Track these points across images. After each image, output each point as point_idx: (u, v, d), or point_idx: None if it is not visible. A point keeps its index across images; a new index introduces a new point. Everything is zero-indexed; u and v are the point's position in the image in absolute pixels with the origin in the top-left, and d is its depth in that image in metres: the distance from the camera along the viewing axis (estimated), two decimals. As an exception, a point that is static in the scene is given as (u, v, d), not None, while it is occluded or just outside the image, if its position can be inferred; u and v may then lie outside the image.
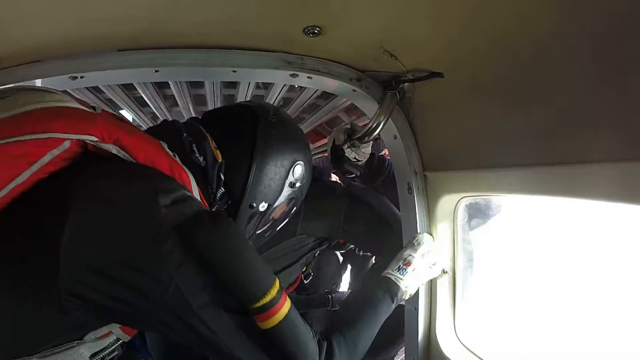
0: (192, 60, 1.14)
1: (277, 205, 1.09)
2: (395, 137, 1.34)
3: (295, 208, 1.17)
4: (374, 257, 2.20)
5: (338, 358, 0.89)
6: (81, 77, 1.13)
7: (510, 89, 0.95)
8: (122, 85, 1.99)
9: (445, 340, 1.42)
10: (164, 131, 0.96)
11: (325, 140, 2.54)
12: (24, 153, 0.74)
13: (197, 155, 0.95)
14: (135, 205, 0.74)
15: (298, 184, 1.10)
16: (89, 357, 0.81)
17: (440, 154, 1.27)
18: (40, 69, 1.10)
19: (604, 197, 0.82)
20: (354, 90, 1.31)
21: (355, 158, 1.36)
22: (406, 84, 1.23)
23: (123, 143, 0.81)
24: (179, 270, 0.72)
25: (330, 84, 1.30)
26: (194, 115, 2.26)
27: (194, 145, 0.96)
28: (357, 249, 2.00)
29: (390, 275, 1.17)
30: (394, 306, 1.13)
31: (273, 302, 0.77)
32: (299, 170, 1.09)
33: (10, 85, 1.02)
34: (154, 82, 1.95)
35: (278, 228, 1.20)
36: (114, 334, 0.84)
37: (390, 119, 1.30)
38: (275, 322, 0.77)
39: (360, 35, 1.07)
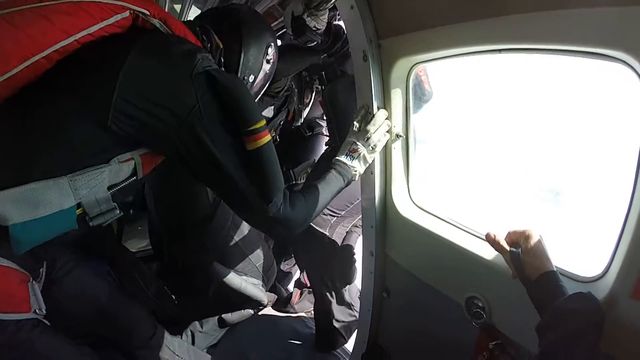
0: None
1: (259, 76, 1.46)
2: (352, 7, 1.39)
3: (270, 78, 1.53)
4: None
5: (297, 208, 1.18)
6: None
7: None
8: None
9: (401, 202, 1.58)
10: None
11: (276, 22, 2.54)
12: (100, 12, 1.03)
13: (206, 43, 1.29)
14: (182, 55, 1.07)
15: (272, 60, 1.48)
16: (107, 188, 1.07)
17: (393, 20, 1.34)
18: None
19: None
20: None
21: (315, 27, 1.43)
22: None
23: (168, 21, 1.16)
24: (203, 97, 1.05)
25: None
26: None
27: (203, 35, 1.31)
28: None
29: (339, 160, 1.40)
30: (345, 185, 1.38)
31: (260, 130, 1.08)
32: (270, 50, 1.46)
33: None
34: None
35: (259, 97, 1.57)
36: (134, 161, 1.10)
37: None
38: (258, 145, 1.08)
39: None
